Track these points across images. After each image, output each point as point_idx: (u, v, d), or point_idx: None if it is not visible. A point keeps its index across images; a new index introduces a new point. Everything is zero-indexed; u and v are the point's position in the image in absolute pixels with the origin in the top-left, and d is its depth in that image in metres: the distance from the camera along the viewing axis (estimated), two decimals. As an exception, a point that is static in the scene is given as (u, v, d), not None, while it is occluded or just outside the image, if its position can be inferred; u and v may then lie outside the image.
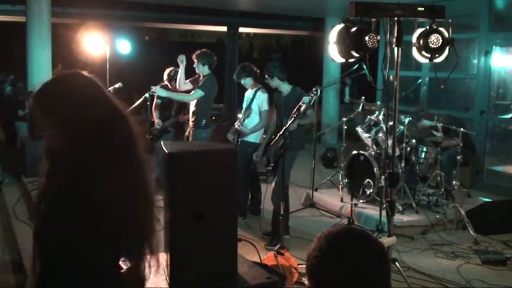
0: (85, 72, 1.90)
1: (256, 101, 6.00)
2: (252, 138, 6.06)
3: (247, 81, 6.09)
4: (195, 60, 6.29)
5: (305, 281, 4.28)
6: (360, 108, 6.94)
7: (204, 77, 6.33)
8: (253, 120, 6.02)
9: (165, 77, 7.20)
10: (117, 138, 1.81)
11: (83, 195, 1.71)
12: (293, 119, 5.02)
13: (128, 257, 1.85)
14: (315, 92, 5.12)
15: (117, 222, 1.76)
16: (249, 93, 6.14)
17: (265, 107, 6.00)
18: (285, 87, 5.59)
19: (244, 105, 6.14)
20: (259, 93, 6.02)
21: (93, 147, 1.75)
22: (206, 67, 6.31)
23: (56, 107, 1.79)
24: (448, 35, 4.14)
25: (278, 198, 5.27)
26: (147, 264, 1.87)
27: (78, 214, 1.71)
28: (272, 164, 5.42)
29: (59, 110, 1.78)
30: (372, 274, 1.42)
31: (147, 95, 6.65)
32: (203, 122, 6.32)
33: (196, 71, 6.42)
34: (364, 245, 1.45)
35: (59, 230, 1.71)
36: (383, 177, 5.41)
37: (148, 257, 1.87)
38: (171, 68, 7.13)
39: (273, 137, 5.33)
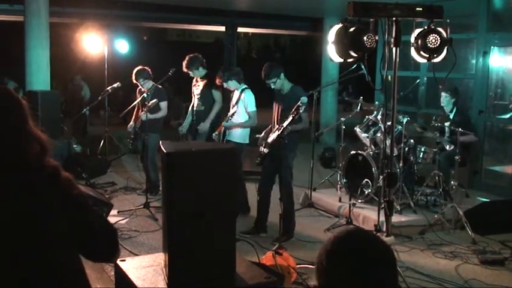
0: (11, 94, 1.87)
1: (242, 102, 5.92)
2: (237, 137, 5.93)
3: (231, 84, 6.02)
4: (188, 71, 6.45)
5: (308, 280, 4.28)
6: (358, 108, 6.95)
7: (201, 79, 6.47)
8: (241, 117, 5.94)
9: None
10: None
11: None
12: (291, 118, 5.01)
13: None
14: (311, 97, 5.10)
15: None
16: (235, 94, 6.07)
17: (253, 107, 5.91)
18: (286, 86, 5.47)
19: (231, 106, 6.07)
20: (245, 93, 5.94)
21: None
22: (200, 69, 6.47)
23: None
24: (447, 35, 4.15)
25: (285, 198, 5.28)
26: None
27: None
28: (259, 159, 5.35)
29: None
30: (379, 276, 1.41)
31: (145, 94, 6.67)
32: None
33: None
34: (370, 249, 1.44)
35: None
36: (381, 177, 5.41)
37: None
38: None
39: (271, 135, 5.30)
